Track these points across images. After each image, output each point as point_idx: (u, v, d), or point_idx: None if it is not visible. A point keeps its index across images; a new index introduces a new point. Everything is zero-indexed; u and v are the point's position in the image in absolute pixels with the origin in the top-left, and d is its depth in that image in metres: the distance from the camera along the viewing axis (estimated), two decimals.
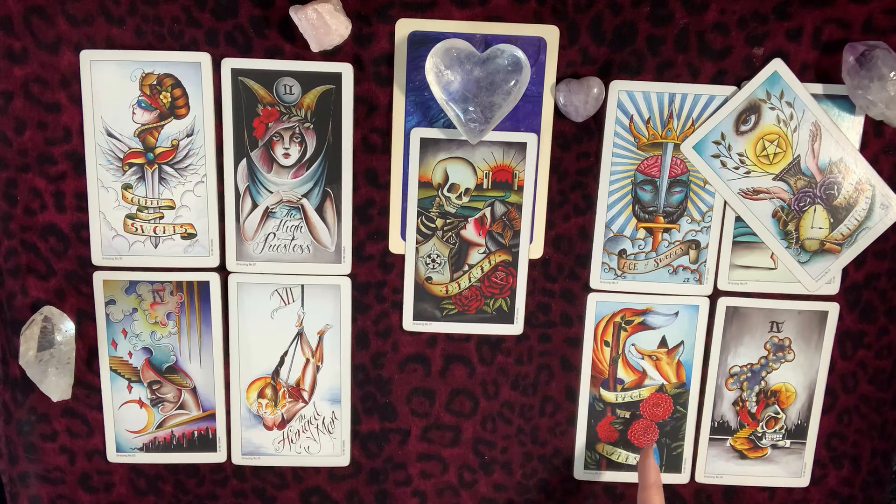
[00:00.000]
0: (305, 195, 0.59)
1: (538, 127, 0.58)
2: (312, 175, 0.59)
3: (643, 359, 0.61)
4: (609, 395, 0.62)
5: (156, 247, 0.59)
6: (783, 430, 0.64)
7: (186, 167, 0.58)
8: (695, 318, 0.60)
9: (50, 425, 0.62)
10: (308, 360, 0.62)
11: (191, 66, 0.57)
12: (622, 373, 0.62)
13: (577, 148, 0.59)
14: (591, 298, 0.60)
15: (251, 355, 0.62)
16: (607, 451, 0.63)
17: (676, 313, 0.60)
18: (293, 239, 0.60)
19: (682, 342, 0.61)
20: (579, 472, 0.64)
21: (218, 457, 0.63)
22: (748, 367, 0.63)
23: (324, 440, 0.63)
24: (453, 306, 0.61)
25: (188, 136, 0.58)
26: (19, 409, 0.62)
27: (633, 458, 0.64)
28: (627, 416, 0.63)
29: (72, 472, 0.63)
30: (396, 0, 0.56)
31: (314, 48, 0.55)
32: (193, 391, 0.62)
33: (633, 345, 0.61)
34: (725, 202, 0.59)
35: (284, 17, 0.55)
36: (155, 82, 0.57)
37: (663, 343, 0.61)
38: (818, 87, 0.58)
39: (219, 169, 0.58)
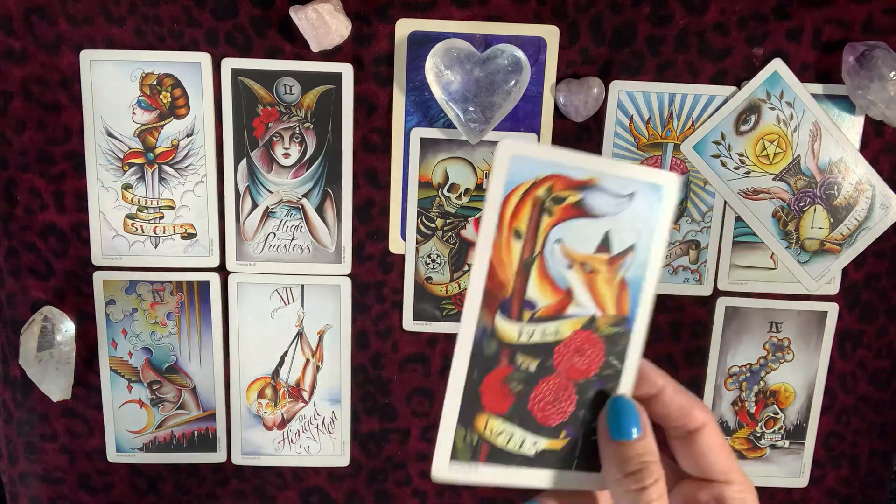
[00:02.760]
0: (305, 195, 0.59)
1: (538, 127, 0.58)
2: (312, 175, 0.59)
3: (571, 268, 0.37)
4: (509, 329, 0.36)
5: (156, 247, 0.59)
6: (782, 431, 0.64)
7: (186, 167, 0.58)
8: (657, 208, 0.37)
9: (50, 425, 0.62)
10: (308, 360, 0.62)
11: (191, 66, 0.57)
12: (535, 289, 0.36)
13: (577, 148, 0.59)
14: (504, 147, 0.35)
15: (251, 355, 0.62)
16: (493, 429, 0.37)
17: (632, 195, 0.37)
18: (293, 239, 0.60)
19: (632, 246, 0.37)
20: (441, 468, 0.37)
21: (218, 457, 0.63)
22: (747, 367, 0.63)
23: (324, 440, 0.63)
24: (453, 306, 0.61)
25: (188, 136, 0.58)
26: (19, 409, 0.62)
27: (531, 445, 0.37)
28: (533, 368, 0.37)
29: (72, 472, 0.63)
30: (396, 0, 0.56)
31: (314, 48, 0.55)
32: (193, 391, 0.62)
33: (558, 241, 0.37)
34: (725, 202, 0.59)
35: (284, 17, 0.55)
36: (155, 82, 0.57)
37: (605, 244, 0.37)
38: (818, 87, 0.58)
39: (219, 169, 0.58)
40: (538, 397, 0.38)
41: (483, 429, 0.37)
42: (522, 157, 0.36)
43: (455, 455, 0.37)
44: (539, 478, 0.38)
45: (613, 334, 0.38)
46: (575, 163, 0.37)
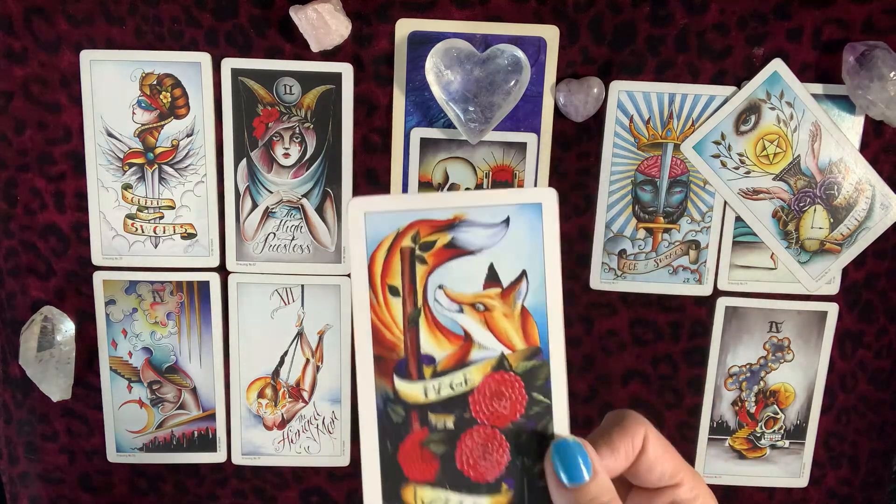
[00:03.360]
0: (305, 195, 0.59)
1: (538, 127, 0.58)
2: (312, 175, 0.59)
3: (462, 312, 0.34)
4: (412, 390, 0.33)
5: (156, 247, 0.59)
6: (782, 431, 0.64)
7: (186, 167, 0.58)
8: (538, 227, 0.35)
9: (50, 425, 0.62)
10: (308, 360, 0.62)
11: (191, 66, 0.57)
12: (429, 342, 0.34)
13: (577, 148, 0.59)
14: (355, 206, 0.33)
15: (251, 355, 0.62)
16: (424, 499, 0.34)
17: (507, 220, 0.35)
18: (293, 239, 0.60)
19: (523, 273, 0.35)
20: None
21: (218, 457, 0.63)
22: (747, 367, 0.63)
23: (324, 440, 0.63)
24: None
25: (188, 136, 0.58)
26: (19, 409, 0.62)
27: None
28: (450, 424, 0.34)
29: (72, 472, 0.63)
30: (396, 0, 0.56)
31: (314, 48, 0.55)
32: (193, 391, 0.62)
33: (440, 287, 0.34)
34: (725, 202, 0.59)
35: (284, 17, 0.55)
36: (155, 82, 0.57)
37: (493, 278, 0.34)
38: (818, 87, 0.58)
39: (219, 169, 0.59)
40: (465, 454, 0.34)
41: (413, 502, 0.34)
42: (376, 212, 0.33)
43: None
44: None
45: (529, 369, 0.35)
46: (434, 204, 0.33)
